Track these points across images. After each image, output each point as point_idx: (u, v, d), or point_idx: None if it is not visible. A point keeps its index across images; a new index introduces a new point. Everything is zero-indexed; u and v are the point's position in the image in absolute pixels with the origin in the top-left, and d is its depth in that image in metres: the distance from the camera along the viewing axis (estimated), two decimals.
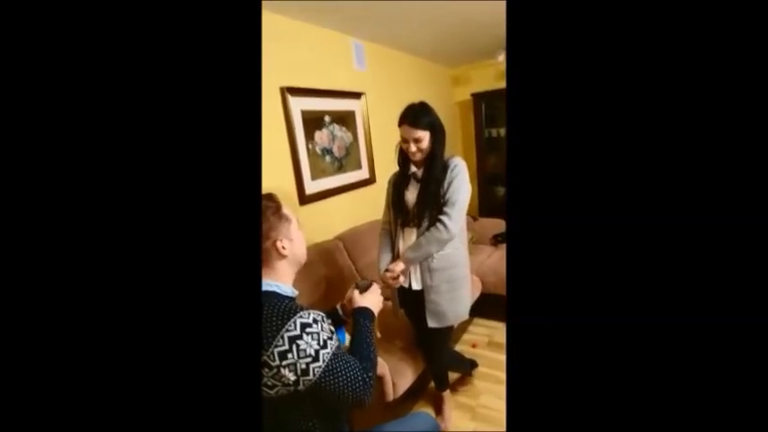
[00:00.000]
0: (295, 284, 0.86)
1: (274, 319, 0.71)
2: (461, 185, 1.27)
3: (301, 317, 0.73)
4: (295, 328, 0.71)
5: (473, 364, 1.79)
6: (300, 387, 0.72)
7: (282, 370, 0.70)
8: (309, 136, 2.00)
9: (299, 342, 0.70)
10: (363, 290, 0.98)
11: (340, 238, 2.06)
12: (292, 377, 0.71)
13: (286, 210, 0.84)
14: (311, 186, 2.02)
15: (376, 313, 0.95)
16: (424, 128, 1.25)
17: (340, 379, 0.73)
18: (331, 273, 1.89)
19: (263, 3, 1.61)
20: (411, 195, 1.36)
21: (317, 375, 0.71)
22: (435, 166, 1.28)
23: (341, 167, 2.25)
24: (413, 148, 1.27)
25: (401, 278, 1.36)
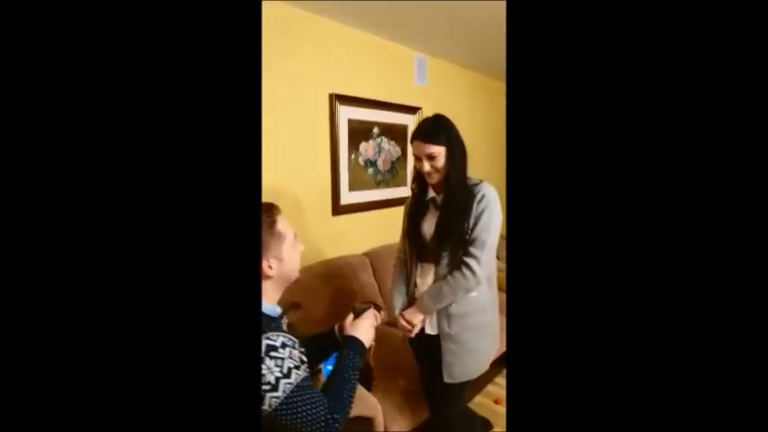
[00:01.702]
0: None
1: None
2: (491, 221, 1.08)
3: (269, 338, 0.67)
4: None
5: (486, 425, 1.48)
6: None
7: None
8: (354, 146, 1.95)
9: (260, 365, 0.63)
10: (357, 314, 0.88)
11: (368, 254, 1.98)
12: None
13: (281, 225, 0.77)
14: (347, 197, 1.97)
15: (367, 344, 0.84)
16: (438, 143, 1.08)
17: (299, 416, 0.66)
18: (353, 289, 1.80)
19: (318, 8, 1.60)
20: (428, 226, 1.17)
21: (274, 407, 0.64)
22: (455, 190, 1.10)
23: (383, 181, 2.17)
24: (426, 166, 1.09)
25: (417, 329, 1.17)
